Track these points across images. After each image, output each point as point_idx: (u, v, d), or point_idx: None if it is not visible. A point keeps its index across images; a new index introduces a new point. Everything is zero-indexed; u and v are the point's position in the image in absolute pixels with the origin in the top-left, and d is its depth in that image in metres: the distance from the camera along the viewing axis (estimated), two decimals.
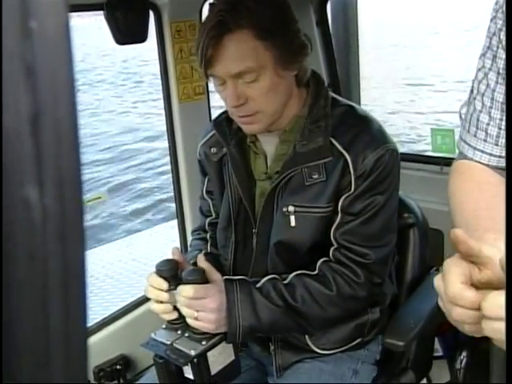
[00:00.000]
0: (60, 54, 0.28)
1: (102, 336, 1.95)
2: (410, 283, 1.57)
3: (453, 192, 0.98)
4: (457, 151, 1.07)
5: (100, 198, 2.06)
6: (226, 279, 1.28)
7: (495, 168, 0.98)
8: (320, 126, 1.31)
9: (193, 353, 1.21)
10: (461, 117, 1.05)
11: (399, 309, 1.51)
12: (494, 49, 0.96)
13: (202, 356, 1.22)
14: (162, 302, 1.26)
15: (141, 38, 1.81)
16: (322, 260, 1.32)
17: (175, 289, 1.24)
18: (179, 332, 1.27)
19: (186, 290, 1.21)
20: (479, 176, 0.98)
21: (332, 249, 1.32)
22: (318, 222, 1.31)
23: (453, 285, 0.69)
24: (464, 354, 1.36)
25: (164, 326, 1.30)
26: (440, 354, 2.16)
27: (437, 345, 2.15)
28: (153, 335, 1.29)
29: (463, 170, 1.01)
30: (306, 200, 1.31)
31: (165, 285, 1.24)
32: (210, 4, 1.47)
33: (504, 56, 0.94)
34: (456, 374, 1.34)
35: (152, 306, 1.28)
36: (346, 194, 1.29)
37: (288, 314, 1.29)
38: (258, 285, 1.30)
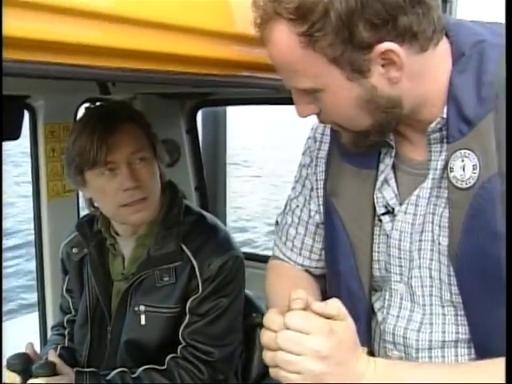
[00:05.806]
0: None
1: None
2: (256, 380, 1.68)
3: (269, 285, 1.17)
4: None
5: None
6: (77, 371, 1.35)
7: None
8: (172, 233, 1.45)
9: None
10: (277, 223, 1.23)
11: None
12: (303, 179, 1.15)
13: None
14: None
15: (14, 135, 1.88)
16: (170, 356, 1.43)
17: (26, 382, 1.28)
18: None
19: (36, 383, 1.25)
20: (289, 272, 1.17)
21: (180, 346, 1.43)
22: (166, 321, 1.42)
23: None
24: None
25: None
26: None
27: None
28: None
29: (276, 267, 1.20)
30: (156, 300, 1.42)
31: (18, 378, 1.28)
32: (86, 108, 1.60)
33: (310, 186, 1.13)
34: None
35: None
36: (194, 296, 1.42)
37: None
38: (108, 377, 1.37)
